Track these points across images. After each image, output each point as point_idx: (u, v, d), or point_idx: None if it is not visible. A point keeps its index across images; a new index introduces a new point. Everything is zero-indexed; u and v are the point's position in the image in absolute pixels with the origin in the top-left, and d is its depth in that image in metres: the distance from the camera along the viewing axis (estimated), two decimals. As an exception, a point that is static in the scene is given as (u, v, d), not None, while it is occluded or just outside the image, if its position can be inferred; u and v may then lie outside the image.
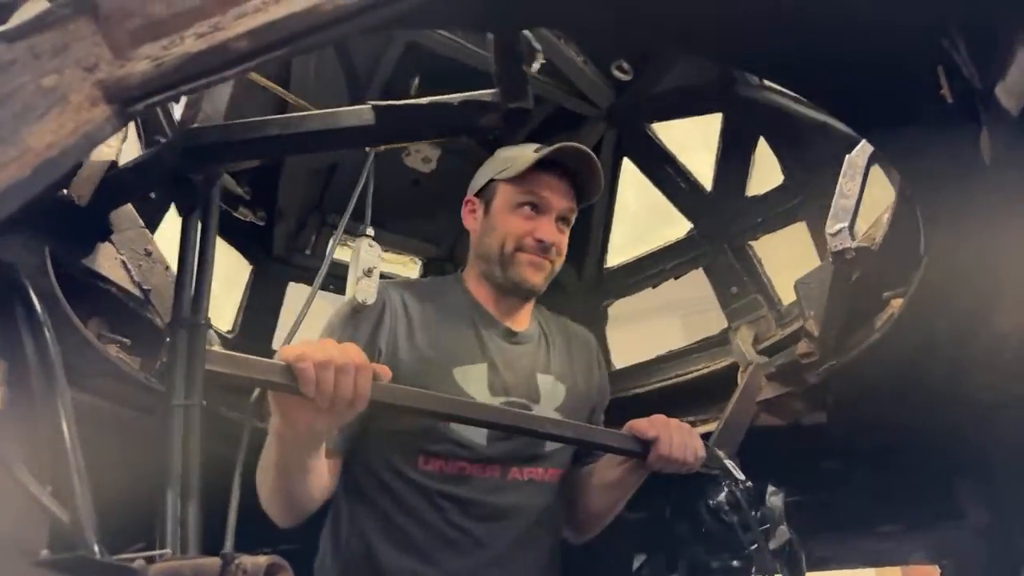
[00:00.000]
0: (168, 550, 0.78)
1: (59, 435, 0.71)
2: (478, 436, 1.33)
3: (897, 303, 1.24)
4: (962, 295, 1.15)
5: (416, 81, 1.73)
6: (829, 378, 1.46)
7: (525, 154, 1.45)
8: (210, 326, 0.98)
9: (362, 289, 1.29)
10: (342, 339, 1.24)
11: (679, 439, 1.32)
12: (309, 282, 1.95)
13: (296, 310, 1.20)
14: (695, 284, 1.99)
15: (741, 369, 1.66)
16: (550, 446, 1.40)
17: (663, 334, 2.28)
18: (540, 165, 1.42)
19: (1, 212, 0.52)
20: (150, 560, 0.69)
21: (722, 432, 1.44)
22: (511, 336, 1.47)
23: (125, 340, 1.59)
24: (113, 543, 0.76)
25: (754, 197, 1.88)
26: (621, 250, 2.19)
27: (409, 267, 2.29)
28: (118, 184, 0.96)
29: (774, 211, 1.83)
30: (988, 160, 0.94)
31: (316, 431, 1.06)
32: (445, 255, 2.30)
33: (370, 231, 1.32)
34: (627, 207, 2.22)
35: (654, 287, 2.09)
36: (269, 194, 1.94)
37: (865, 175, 1.20)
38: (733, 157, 1.89)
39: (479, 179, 1.51)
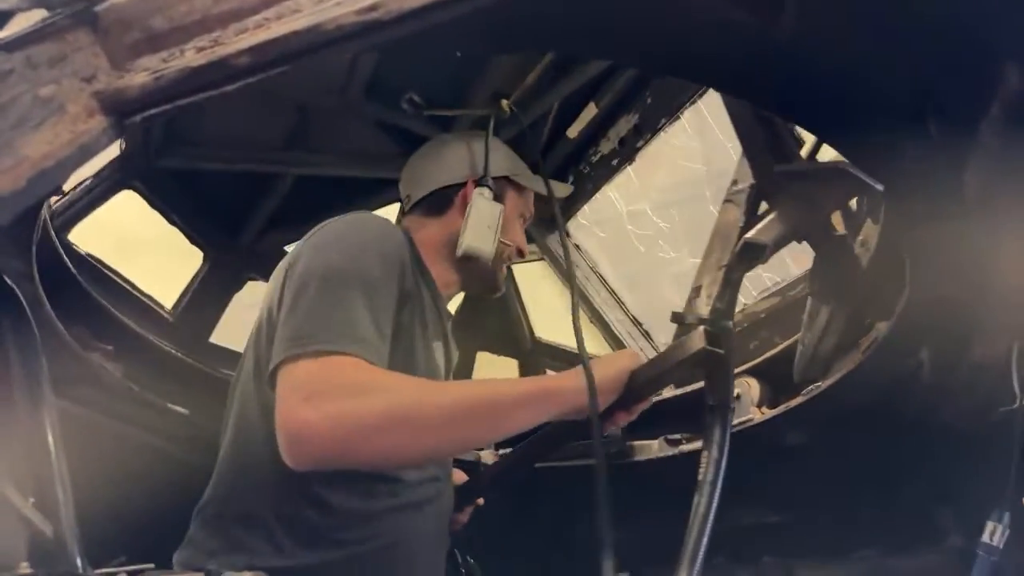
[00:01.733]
0: (151, 564, 0.77)
1: (44, 446, 0.70)
2: None
3: (881, 326, 1.26)
4: (944, 324, 1.17)
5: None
6: (813, 398, 1.47)
7: (524, 167, 1.48)
8: None
9: (484, 239, 1.32)
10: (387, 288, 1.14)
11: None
12: (266, 277, 1.96)
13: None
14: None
15: None
16: None
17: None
18: None
19: (-5, 222, 0.52)
20: (133, 575, 0.68)
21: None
22: (448, 316, 1.43)
23: (108, 348, 1.58)
24: (95, 556, 0.75)
25: None
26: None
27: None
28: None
29: None
30: (971, 193, 0.96)
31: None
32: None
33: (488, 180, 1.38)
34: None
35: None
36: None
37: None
38: None
39: (494, 164, 1.42)
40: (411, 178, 1.48)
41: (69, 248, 1.61)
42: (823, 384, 1.41)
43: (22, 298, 0.82)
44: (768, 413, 1.57)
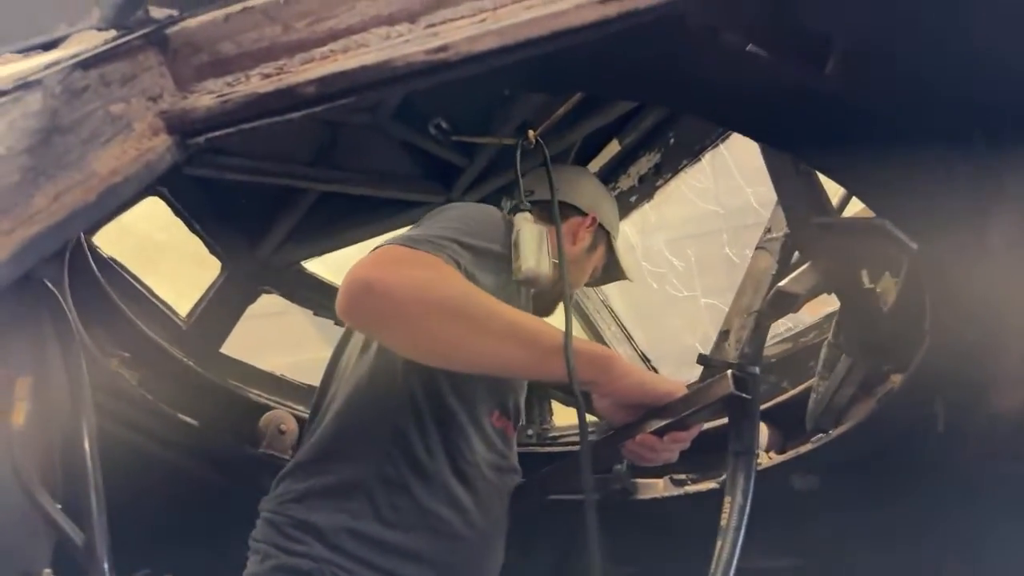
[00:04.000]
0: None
1: (80, 454, 0.71)
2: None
3: (896, 378, 1.27)
4: (961, 373, 1.18)
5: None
6: (823, 445, 1.47)
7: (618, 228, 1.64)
8: None
9: (541, 261, 1.28)
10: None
11: None
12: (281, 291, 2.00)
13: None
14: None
15: None
16: None
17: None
18: None
19: (65, 235, 0.53)
20: (162, 587, 0.68)
21: None
22: None
23: (125, 354, 1.59)
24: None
25: None
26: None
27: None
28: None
29: None
30: (997, 243, 0.98)
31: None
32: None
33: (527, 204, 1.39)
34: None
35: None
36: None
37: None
38: None
39: (606, 213, 1.62)
40: (541, 178, 1.54)
41: (94, 251, 1.63)
42: (834, 432, 1.41)
43: (63, 303, 0.83)
44: (776, 458, 1.57)
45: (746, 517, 0.88)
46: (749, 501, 0.89)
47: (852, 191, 0.97)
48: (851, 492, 1.47)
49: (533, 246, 1.25)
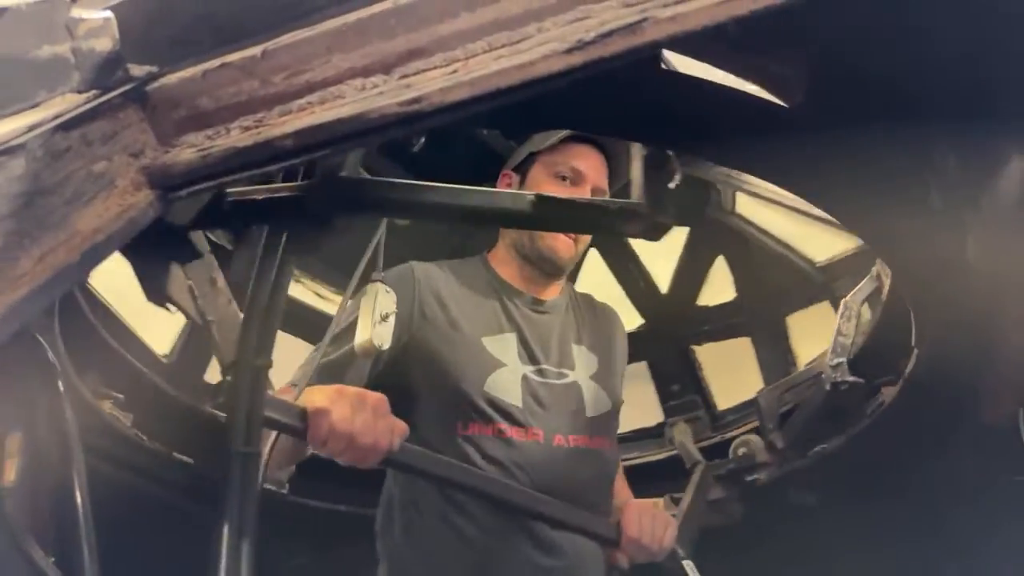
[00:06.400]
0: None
1: (71, 505, 0.71)
2: (513, 398, 1.35)
3: (887, 391, 1.28)
4: (950, 387, 1.19)
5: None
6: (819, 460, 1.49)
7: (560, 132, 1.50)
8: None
9: (379, 334, 1.26)
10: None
11: (647, 524, 1.34)
12: (295, 332, 1.98)
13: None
14: (633, 376, 2.05)
15: (688, 465, 1.74)
16: (591, 410, 1.42)
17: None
18: (575, 139, 1.46)
19: (50, 296, 0.54)
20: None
21: (681, 529, 1.45)
22: (537, 304, 1.49)
23: (119, 396, 1.59)
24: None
25: (704, 307, 2.08)
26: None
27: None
28: (243, 209, 0.88)
29: (722, 323, 2.04)
30: (975, 261, 0.99)
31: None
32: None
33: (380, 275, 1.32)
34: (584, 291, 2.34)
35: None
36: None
37: (859, 315, 1.39)
38: (692, 267, 2.08)
39: (516, 156, 1.55)
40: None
41: (84, 288, 1.63)
42: (829, 446, 1.43)
43: (50, 353, 0.83)
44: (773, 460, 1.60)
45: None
46: None
47: (831, 213, 0.98)
48: (847, 505, 1.48)
49: (367, 320, 1.19)
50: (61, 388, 0.77)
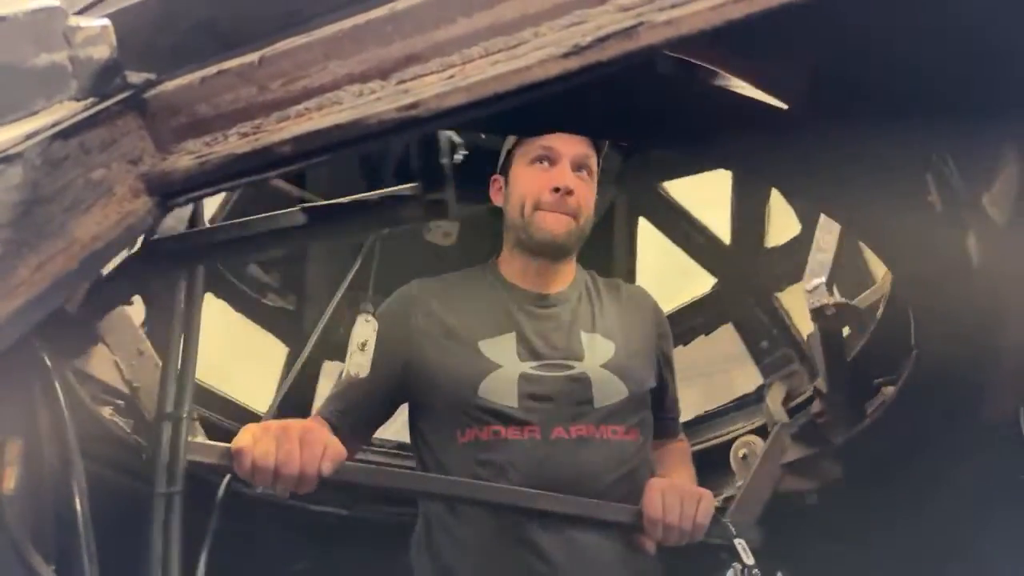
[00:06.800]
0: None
1: (71, 513, 0.71)
2: (508, 399, 1.34)
3: (888, 391, 1.28)
4: (951, 385, 1.19)
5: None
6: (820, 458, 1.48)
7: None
8: (193, 418, 1.08)
9: (356, 363, 1.30)
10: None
11: (672, 501, 1.24)
12: (342, 359, 1.98)
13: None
14: (727, 340, 1.95)
15: (769, 429, 1.59)
16: (600, 398, 1.36)
17: (700, 392, 2.24)
18: None
19: (49, 305, 0.54)
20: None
21: (740, 502, 1.37)
22: (541, 300, 1.48)
23: (119, 402, 1.58)
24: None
25: (774, 248, 1.88)
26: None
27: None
28: (105, 292, 1.02)
29: (796, 261, 1.74)
30: (975, 263, 0.99)
31: None
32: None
33: (369, 307, 1.34)
34: (649, 267, 2.19)
35: (685, 344, 2.03)
36: (298, 279, 2.02)
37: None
38: (748, 210, 1.90)
39: (501, 160, 1.55)
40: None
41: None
42: (832, 443, 1.42)
43: (49, 365, 0.83)
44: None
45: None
46: None
47: (832, 217, 0.98)
48: (847, 505, 1.48)
49: (353, 347, 1.27)
50: (60, 395, 0.77)
